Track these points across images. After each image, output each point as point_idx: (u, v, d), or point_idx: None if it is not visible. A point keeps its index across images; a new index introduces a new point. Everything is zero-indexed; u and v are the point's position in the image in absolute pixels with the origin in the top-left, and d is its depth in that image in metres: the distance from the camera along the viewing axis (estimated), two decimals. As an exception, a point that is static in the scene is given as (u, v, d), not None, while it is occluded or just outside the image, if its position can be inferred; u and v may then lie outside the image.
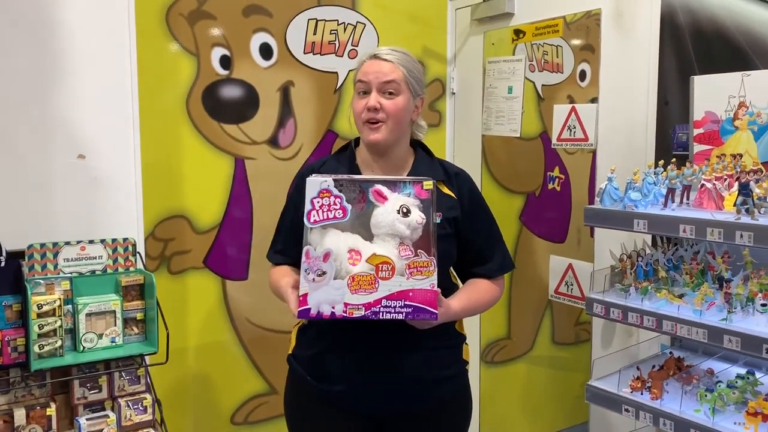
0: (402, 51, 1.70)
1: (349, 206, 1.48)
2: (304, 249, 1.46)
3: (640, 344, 2.29)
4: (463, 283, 1.78)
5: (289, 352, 1.79)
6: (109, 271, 1.94)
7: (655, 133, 2.38)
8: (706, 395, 1.78)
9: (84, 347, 1.83)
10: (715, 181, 1.82)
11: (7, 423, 1.75)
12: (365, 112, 1.65)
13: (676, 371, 1.98)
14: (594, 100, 2.44)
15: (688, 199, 1.87)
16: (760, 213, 1.65)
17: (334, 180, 1.49)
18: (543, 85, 3.27)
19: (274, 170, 2.50)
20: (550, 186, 3.38)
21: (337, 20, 2.60)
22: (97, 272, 1.92)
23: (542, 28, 2.67)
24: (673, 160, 1.97)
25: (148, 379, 1.95)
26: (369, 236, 1.48)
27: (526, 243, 3.31)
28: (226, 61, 2.38)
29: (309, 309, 1.44)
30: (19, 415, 1.75)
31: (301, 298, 1.44)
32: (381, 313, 1.44)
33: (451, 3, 2.91)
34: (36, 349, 1.73)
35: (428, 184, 1.52)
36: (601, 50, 2.38)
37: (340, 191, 1.48)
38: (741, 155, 2.02)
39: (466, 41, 2.90)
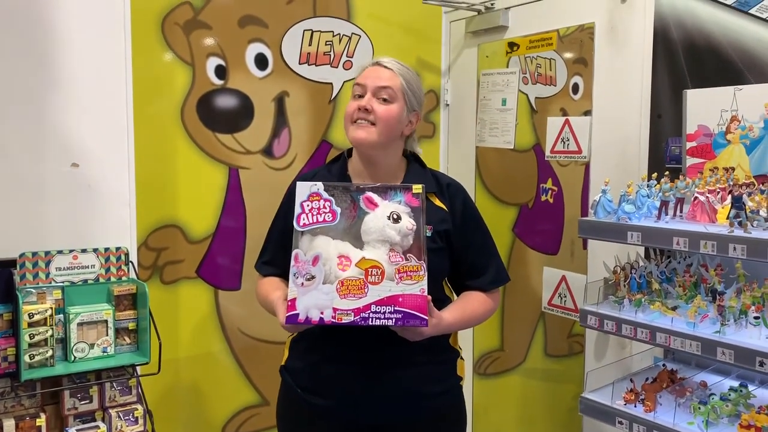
0: (405, 65, 1.71)
1: (338, 210, 1.49)
2: (294, 253, 1.45)
3: (633, 356, 2.30)
4: (458, 296, 1.78)
5: (282, 363, 1.78)
6: (101, 280, 1.93)
7: (648, 146, 2.40)
8: (699, 408, 1.78)
9: (75, 357, 1.81)
10: (708, 194, 1.83)
11: (-4, 434, 1.73)
12: (356, 112, 1.65)
13: (670, 384, 1.98)
14: (587, 113, 2.46)
15: (681, 211, 1.88)
16: (752, 226, 1.66)
17: (325, 184, 1.50)
18: (536, 97, 3.29)
19: (269, 180, 2.50)
20: (543, 198, 3.39)
21: (333, 31, 2.61)
22: (89, 281, 1.91)
23: (536, 41, 2.69)
24: (666, 173, 1.98)
25: (140, 390, 1.93)
26: (359, 245, 1.48)
27: (519, 255, 3.31)
28: (221, 71, 2.38)
29: (297, 314, 1.42)
30: (9, 426, 1.73)
31: (289, 303, 1.43)
32: (370, 319, 1.42)
33: (446, 15, 2.93)
34: (26, 358, 1.71)
35: (417, 188, 1.52)
36: (595, 64, 2.40)
37: (330, 195, 1.49)
38: (733, 169, 2.03)
39: (461, 53, 2.92)
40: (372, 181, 1.69)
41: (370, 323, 1.42)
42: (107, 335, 1.86)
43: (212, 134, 2.38)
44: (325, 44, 2.60)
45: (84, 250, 1.91)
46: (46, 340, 1.74)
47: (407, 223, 1.48)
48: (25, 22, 1.86)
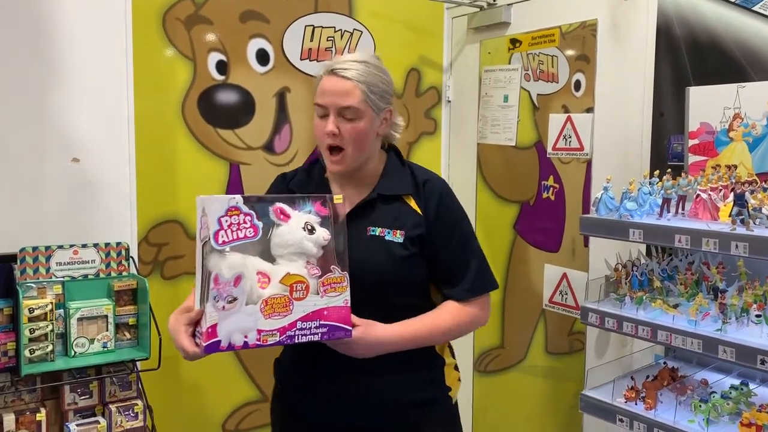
0: (363, 61, 1.56)
1: (260, 224, 1.38)
2: (212, 274, 1.32)
3: (633, 354, 2.29)
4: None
5: (277, 356, 1.77)
6: (101, 275, 1.92)
7: (651, 143, 2.39)
8: (700, 406, 1.78)
9: (75, 352, 1.81)
10: (710, 192, 1.82)
11: (-4, 428, 1.73)
12: (325, 137, 1.55)
13: (671, 381, 1.97)
14: (589, 110, 2.45)
15: (683, 209, 1.88)
16: (755, 224, 1.65)
17: (243, 197, 1.38)
18: (538, 94, 3.28)
19: (270, 176, 2.48)
20: (545, 195, 3.39)
21: (334, 27, 2.60)
22: (89, 276, 1.91)
23: (538, 37, 2.69)
24: (669, 170, 1.97)
25: (140, 385, 1.93)
26: (270, 258, 1.40)
27: (520, 252, 3.30)
28: (222, 67, 2.38)
29: (219, 341, 1.32)
30: (9, 420, 1.73)
31: (210, 330, 1.31)
32: (296, 337, 1.37)
33: (448, 12, 2.92)
34: (27, 353, 1.71)
35: (339, 198, 1.47)
36: (597, 60, 2.39)
37: (250, 209, 1.37)
38: (736, 166, 2.03)
39: (462, 50, 2.91)
40: (350, 185, 1.63)
41: (296, 341, 1.37)
42: (107, 330, 1.86)
43: (213, 130, 2.38)
44: (327, 40, 2.59)
45: (84, 245, 1.91)
46: (46, 335, 1.74)
47: (322, 233, 1.42)
48: (26, 16, 1.86)
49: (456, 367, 1.72)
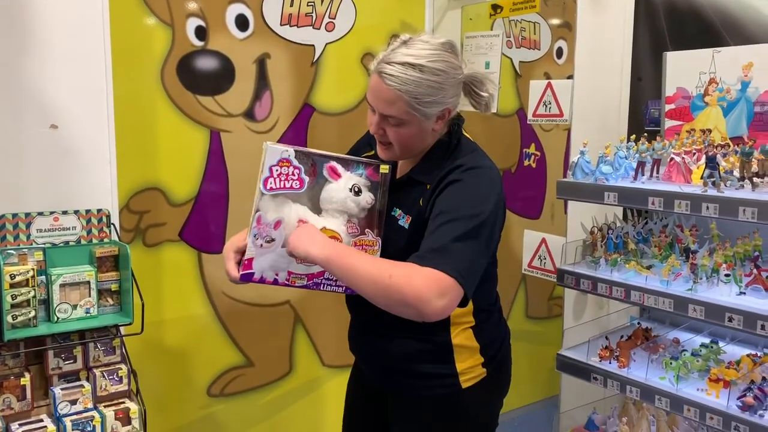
0: (415, 65, 1.40)
1: (307, 178, 1.49)
2: (256, 214, 1.47)
3: (610, 315, 2.35)
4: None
5: None
6: (83, 242, 1.93)
7: (629, 108, 2.42)
8: (671, 363, 1.83)
9: (58, 318, 1.83)
10: (684, 155, 1.86)
11: (-19, 393, 1.75)
12: (374, 130, 1.53)
13: (644, 341, 2.03)
14: (570, 78, 2.46)
15: (657, 173, 1.91)
16: (725, 186, 1.69)
17: (296, 150, 1.48)
18: (520, 61, 3.29)
19: (250, 144, 2.49)
20: (526, 163, 3.42)
21: (314, -8, 2.58)
22: (70, 243, 1.91)
23: (519, 3, 2.68)
24: (645, 134, 2.00)
25: (124, 350, 1.95)
26: (317, 211, 1.51)
27: (501, 219, 3.34)
28: (201, 32, 2.35)
29: (253, 273, 1.47)
30: (-7, 385, 1.75)
31: (246, 262, 1.46)
32: (322, 285, 1.49)
33: (429, -23, 2.90)
34: (9, 319, 1.73)
35: (384, 168, 1.53)
36: (577, 27, 2.40)
37: (299, 162, 1.48)
38: (710, 131, 2.06)
39: (444, 15, 2.90)
40: (404, 161, 1.60)
41: (322, 289, 1.49)
42: (90, 296, 1.87)
43: (193, 96, 2.37)
44: (307, 5, 2.57)
45: (65, 212, 1.91)
46: (28, 300, 1.75)
47: (367, 197, 1.50)
48: (-1, -21, 1.83)
49: (484, 354, 1.59)
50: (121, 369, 1.91)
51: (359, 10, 2.69)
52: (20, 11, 1.87)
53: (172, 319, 2.41)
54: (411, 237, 1.48)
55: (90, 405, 1.84)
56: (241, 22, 2.44)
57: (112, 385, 1.90)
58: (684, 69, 2.17)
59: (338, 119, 2.69)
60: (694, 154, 1.90)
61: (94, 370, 1.89)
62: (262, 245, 1.46)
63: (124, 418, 1.85)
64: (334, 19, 2.64)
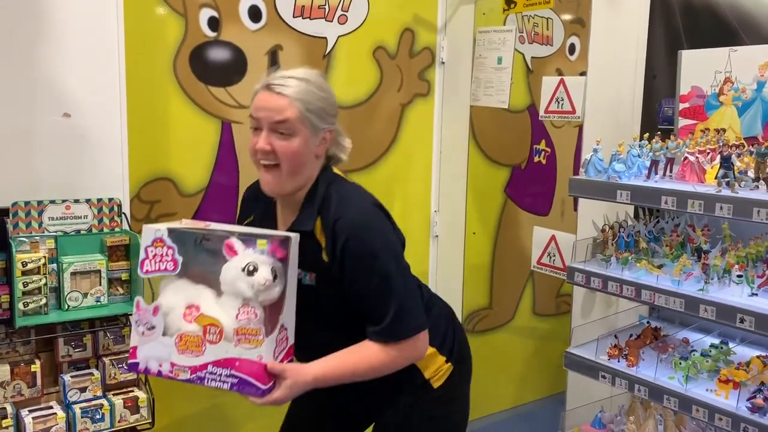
0: (302, 78, 1.48)
1: (180, 258, 1.40)
2: (135, 299, 1.42)
3: (618, 314, 2.34)
4: None
5: None
6: (94, 231, 1.94)
7: (642, 107, 2.40)
8: (680, 363, 1.83)
9: (69, 306, 1.84)
10: (698, 155, 1.84)
11: (-9, 379, 1.77)
12: (257, 153, 1.49)
13: (653, 340, 2.02)
14: (583, 74, 2.45)
15: (671, 171, 1.90)
16: (740, 186, 1.68)
17: (169, 229, 1.40)
18: (532, 57, 3.27)
19: (262, 135, 2.49)
20: (536, 159, 3.41)
21: (328, -15, 2.57)
22: (82, 232, 1.92)
23: (533, -2, 2.66)
24: (658, 133, 1.99)
25: (133, 339, 1.96)
26: (219, 292, 1.39)
27: (510, 215, 3.34)
28: (214, 23, 2.35)
29: (137, 363, 1.40)
30: (3, 371, 1.76)
31: (131, 350, 1.41)
32: (206, 380, 1.36)
33: (443, -29, 2.88)
34: (21, 306, 1.74)
35: (294, 237, 1.39)
36: (592, 23, 2.38)
37: (174, 242, 1.39)
38: (724, 130, 2.05)
39: (457, 10, 2.88)
40: (286, 206, 1.57)
41: (206, 384, 1.36)
42: (100, 285, 1.88)
43: (205, 87, 2.36)
44: (320, -2, 2.57)
45: (77, 201, 1.92)
46: (39, 288, 1.76)
47: (261, 277, 1.34)
48: (14, -33, 1.83)
49: (443, 353, 1.63)
50: (130, 358, 1.92)
51: (372, 4, 2.68)
52: (35, 1, 1.87)
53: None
54: (319, 293, 1.50)
55: (99, 393, 1.85)
56: (254, 14, 2.43)
57: (121, 374, 1.91)
58: (699, 67, 2.15)
59: (349, 112, 2.68)
60: (708, 153, 1.88)
61: (104, 359, 1.90)
62: (143, 333, 1.38)
63: (133, 407, 1.86)
64: (347, 11, 2.63)
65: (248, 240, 1.37)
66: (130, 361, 1.41)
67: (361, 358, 1.47)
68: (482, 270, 3.27)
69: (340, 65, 2.64)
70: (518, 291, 3.45)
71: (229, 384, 1.36)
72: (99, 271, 1.87)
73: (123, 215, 1.99)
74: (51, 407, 1.79)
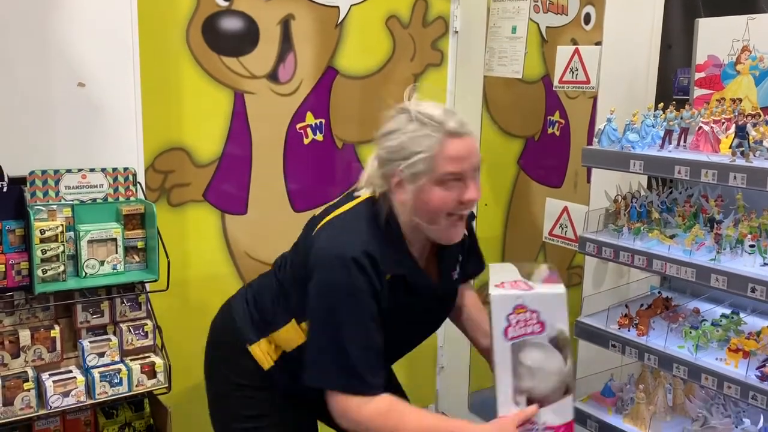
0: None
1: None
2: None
3: (630, 284, 2.34)
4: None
5: None
6: (109, 199, 1.96)
7: (657, 76, 2.37)
8: (690, 332, 1.83)
9: (86, 273, 1.87)
10: (712, 125, 1.83)
11: (13, 344, 1.81)
12: (458, 205, 1.42)
13: (664, 310, 2.03)
14: (598, 44, 2.42)
15: (685, 141, 1.89)
16: (755, 156, 1.66)
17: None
18: (547, 27, 3.23)
19: (274, 106, 2.50)
20: (550, 130, 3.38)
21: (340, -47, 2.55)
22: (98, 200, 1.95)
23: (548, -34, 2.61)
24: (673, 103, 1.97)
25: (149, 306, 2.00)
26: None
27: (523, 187, 3.33)
28: (226, -8, 2.34)
29: None
30: (24, 336, 1.80)
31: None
32: None
33: (457, -62, 2.84)
34: (39, 273, 1.77)
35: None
36: (607, -9, 2.34)
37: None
38: (741, 100, 2.02)
39: (471, -22, 2.85)
40: (416, 247, 1.54)
41: None
42: (117, 253, 1.91)
43: (217, 57, 2.37)
44: (332, -34, 2.54)
45: (92, 170, 1.94)
46: (57, 255, 1.79)
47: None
48: (27, -65, 1.83)
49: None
50: (146, 324, 1.96)
51: (385, -28, 2.65)
52: (48, -32, 1.87)
53: (196, 277, 2.45)
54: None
55: (117, 358, 1.89)
56: (266, -17, 2.42)
57: (138, 340, 1.95)
58: (716, 36, 2.12)
59: (361, 83, 2.67)
60: (723, 123, 1.86)
61: (121, 325, 1.94)
62: None
63: (150, 372, 1.90)
64: (360, -20, 2.61)
65: None
66: None
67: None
68: (494, 242, 3.27)
69: (352, 35, 2.63)
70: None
71: None
72: (115, 240, 1.90)
73: (138, 184, 2.01)
74: (71, 371, 1.84)
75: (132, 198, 1.99)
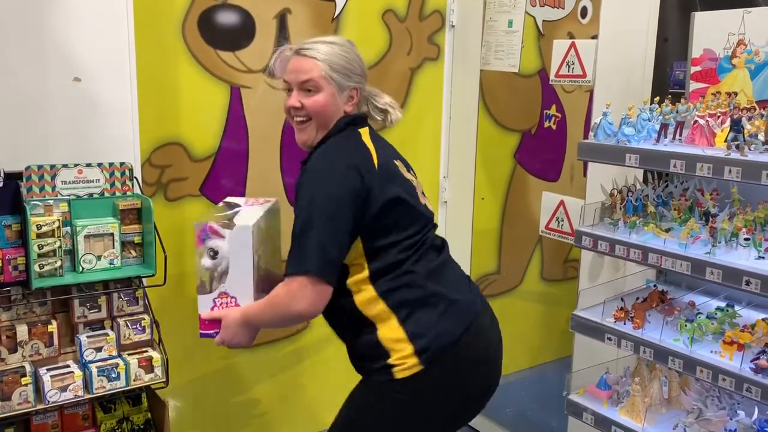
0: (328, 41, 1.65)
1: None
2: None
3: (626, 278, 2.35)
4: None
5: None
6: (106, 194, 1.96)
7: (653, 70, 2.38)
8: (686, 325, 1.84)
9: (83, 268, 1.87)
10: (708, 118, 1.83)
11: (10, 339, 1.81)
12: (290, 111, 1.67)
13: (659, 303, 2.04)
14: (594, 38, 2.42)
15: (680, 135, 1.89)
16: (750, 149, 1.67)
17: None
18: (544, 20, 3.23)
19: (270, 99, 2.49)
20: (546, 124, 3.39)
21: (336, -54, 2.54)
22: (94, 195, 1.95)
23: (545, -41, 2.61)
24: (669, 96, 1.97)
25: (146, 301, 2.00)
26: None
27: (519, 181, 3.33)
28: (222, -14, 2.34)
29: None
30: (22, 331, 1.81)
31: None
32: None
33: (453, -68, 2.83)
34: (36, 268, 1.77)
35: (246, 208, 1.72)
36: (604, -15, 2.34)
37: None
38: (736, 93, 2.02)
39: (467, -28, 2.84)
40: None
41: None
42: (114, 248, 1.91)
43: (214, 51, 2.36)
44: (328, -40, 2.54)
45: (89, 165, 1.94)
46: (54, 250, 1.80)
47: (206, 260, 1.67)
48: (21, -71, 1.82)
49: (414, 342, 1.55)
50: (144, 319, 1.96)
51: (381, -34, 2.65)
52: (43, -38, 1.87)
53: (193, 272, 2.44)
54: None
55: (114, 353, 1.90)
56: (262, -24, 2.41)
57: (135, 334, 1.95)
58: (712, 30, 2.12)
59: (358, 77, 2.67)
60: (719, 117, 1.87)
61: (118, 320, 1.94)
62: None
63: (148, 366, 1.91)
64: (356, -26, 2.60)
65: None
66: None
67: (266, 299, 1.60)
68: (491, 235, 3.28)
69: (348, 28, 2.62)
70: (526, 256, 3.47)
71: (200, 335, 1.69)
72: (112, 234, 1.90)
73: (134, 179, 2.01)
74: (68, 366, 1.84)
75: (129, 193, 1.99)
